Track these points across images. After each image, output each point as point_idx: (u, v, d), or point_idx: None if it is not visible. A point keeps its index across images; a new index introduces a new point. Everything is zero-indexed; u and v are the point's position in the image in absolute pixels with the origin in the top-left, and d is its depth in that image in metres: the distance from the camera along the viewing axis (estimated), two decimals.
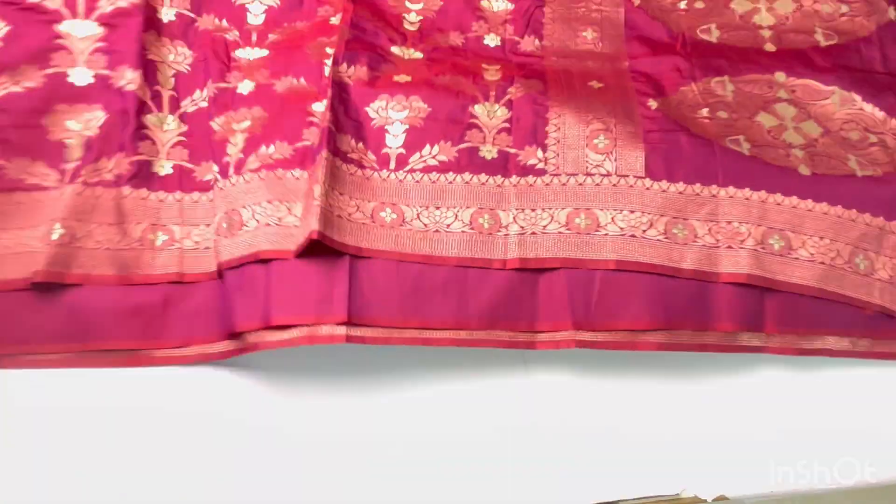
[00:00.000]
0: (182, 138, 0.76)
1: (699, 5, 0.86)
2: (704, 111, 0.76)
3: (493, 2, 0.87)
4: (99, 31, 0.80)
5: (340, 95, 0.75)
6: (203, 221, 0.72)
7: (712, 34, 0.84)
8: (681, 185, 0.70)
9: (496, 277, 0.68)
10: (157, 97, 0.77)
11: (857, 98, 0.77)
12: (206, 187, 0.74)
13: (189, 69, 0.80)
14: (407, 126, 0.74)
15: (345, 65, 0.78)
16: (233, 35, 0.83)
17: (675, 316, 0.67)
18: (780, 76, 0.79)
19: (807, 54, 0.81)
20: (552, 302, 0.67)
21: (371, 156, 0.72)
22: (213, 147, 0.75)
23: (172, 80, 0.79)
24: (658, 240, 0.68)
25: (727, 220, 0.69)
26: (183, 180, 0.74)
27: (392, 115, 0.74)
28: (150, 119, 0.76)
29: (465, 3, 0.87)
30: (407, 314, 0.66)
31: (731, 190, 0.70)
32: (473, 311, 0.67)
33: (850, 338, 0.70)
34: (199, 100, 0.78)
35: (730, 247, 0.68)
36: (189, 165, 0.75)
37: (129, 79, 0.77)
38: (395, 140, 0.73)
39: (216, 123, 0.76)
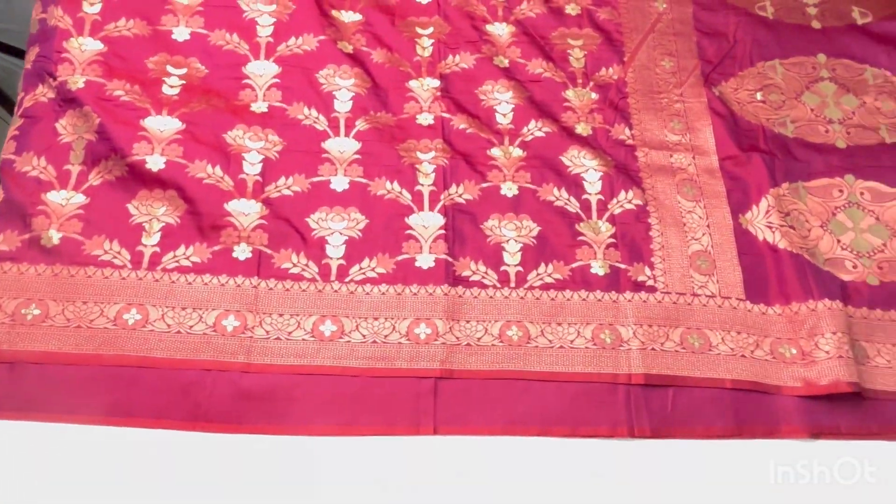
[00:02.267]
0: (263, 222, 0.84)
1: (774, 98, 0.98)
2: (776, 220, 0.87)
3: (577, 92, 0.98)
4: (178, 125, 0.88)
5: (455, 220, 0.85)
6: (276, 311, 0.79)
7: (788, 128, 0.95)
8: (777, 308, 0.83)
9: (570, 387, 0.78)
10: (241, 185, 0.86)
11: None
12: (282, 275, 0.81)
13: (277, 156, 0.89)
14: (521, 244, 0.85)
15: (454, 186, 0.88)
16: (322, 124, 0.91)
17: (745, 423, 0.77)
18: (849, 178, 0.92)
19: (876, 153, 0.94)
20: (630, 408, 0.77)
21: (492, 274, 0.83)
22: (309, 244, 0.83)
23: (260, 166, 0.87)
24: (767, 359, 0.79)
25: (821, 332, 0.79)
26: (262, 266, 0.81)
27: (506, 234, 0.85)
28: (232, 206, 0.84)
29: (550, 94, 0.97)
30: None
31: (827, 302, 0.81)
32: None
33: None
34: (283, 187, 0.87)
35: (829, 358, 0.77)
36: (268, 251, 0.82)
37: (208, 172, 0.86)
38: (512, 258, 0.84)
39: (312, 220, 0.85)
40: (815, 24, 1.05)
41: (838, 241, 0.87)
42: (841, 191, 0.91)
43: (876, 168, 0.92)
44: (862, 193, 0.91)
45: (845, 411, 0.78)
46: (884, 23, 1.05)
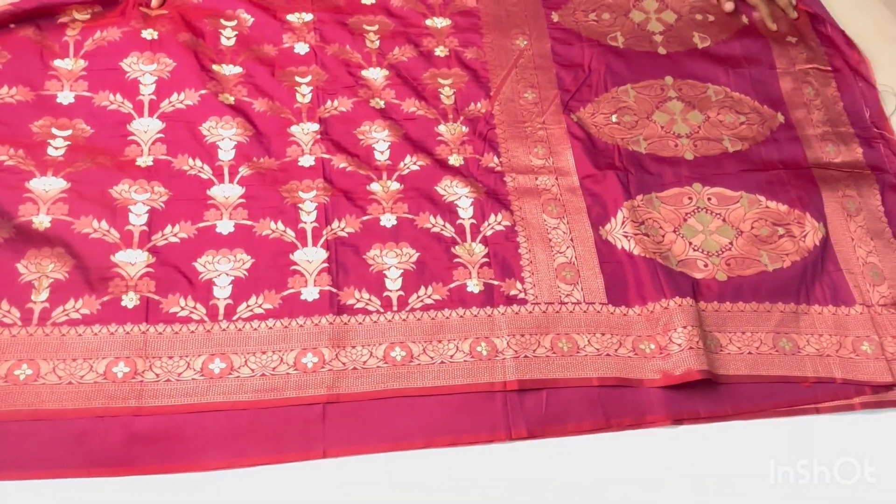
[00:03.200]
0: (151, 270, 0.88)
1: (627, 119, 1.08)
2: (630, 229, 0.95)
3: (448, 127, 1.05)
4: (64, 184, 0.92)
5: (338, 253, 0.91)
6: (166, 354, 0.83)
7: (641, 145, 1.05)
8: (637, 309, 0.90)
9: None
10: (127, 236, 0.90)
11: (762, 198, 0.99)
12: (171, 319, 0.85)
13: (163, 206, 0.93)
14: (402, 270, 0.91)
15: (336, 221, 0.94)
16: (207, 173, 0.97)
17: (612, 417, 0.83)
18: (696, 186, 1.02)
19: (720, 161, 1.03)
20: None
21: (375, 300, 0.89)
22: (196, 287, 0.88)
23: (146, 216, 0.92)
24: (629, 356, 0.87)
25: (674, 327, 0.88)
26: (150, 312, 0.85)
27: (388, 261, 0.92)
28: (119, 257, 0.89)
29: (424, 130, 1.05)
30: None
31: (678, 300, 0.89)
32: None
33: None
34: (169, 234, 0.91)
35: (681, 350, 0.85)
36: (156, 297, 0.87)
37: (94, 227, 0.90)
38: (393, 283, 0.90)
39: (199, 264, 0.89)
40: (662, 50, 1.16)
41: (690, 243, 0.96)
42: (690, 198, 1.00)
43: (721, 175, 1.02)
44: (709, 199, 1.00)
45: (703, 397, 0.85)
46: (720, 45, 1.17)
